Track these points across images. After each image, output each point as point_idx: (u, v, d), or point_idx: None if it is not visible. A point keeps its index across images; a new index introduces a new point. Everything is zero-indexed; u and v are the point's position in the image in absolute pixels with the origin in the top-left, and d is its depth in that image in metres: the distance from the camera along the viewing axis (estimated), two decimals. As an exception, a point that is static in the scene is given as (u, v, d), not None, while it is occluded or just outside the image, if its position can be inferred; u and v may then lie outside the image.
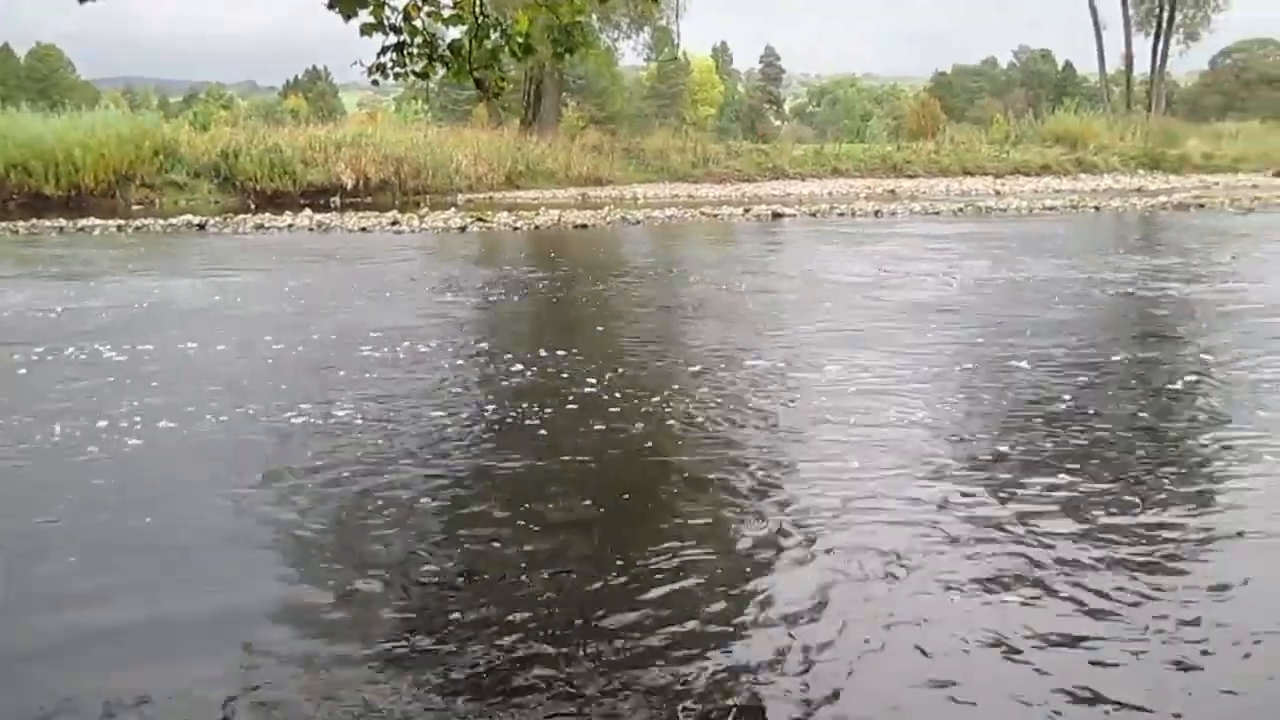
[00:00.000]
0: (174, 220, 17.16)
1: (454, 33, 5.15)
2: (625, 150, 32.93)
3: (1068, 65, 70.03)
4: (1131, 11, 41.96)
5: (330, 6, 3.50)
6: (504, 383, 5.49)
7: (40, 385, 5.44)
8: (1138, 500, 3.57)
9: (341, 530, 3.41)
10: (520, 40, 4.77)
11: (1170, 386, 5.25)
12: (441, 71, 4.90)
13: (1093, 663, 2.50)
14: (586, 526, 3.41)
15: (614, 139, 35.46)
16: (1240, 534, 3.29)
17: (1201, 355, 6.07)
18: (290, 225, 17.12)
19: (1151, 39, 42.21)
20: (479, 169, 28.20)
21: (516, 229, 16.68)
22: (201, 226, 16.81)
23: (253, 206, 21.49)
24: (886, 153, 33.93)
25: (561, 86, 42.34)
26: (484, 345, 6.77)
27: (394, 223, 17.12)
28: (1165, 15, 41.51)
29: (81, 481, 3.87)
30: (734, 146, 34.78)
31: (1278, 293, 8.46)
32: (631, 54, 47.83)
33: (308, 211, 18.76)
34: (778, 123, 70.54)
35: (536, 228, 16.84)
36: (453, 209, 19.87)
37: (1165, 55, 42.55)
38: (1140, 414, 4.69)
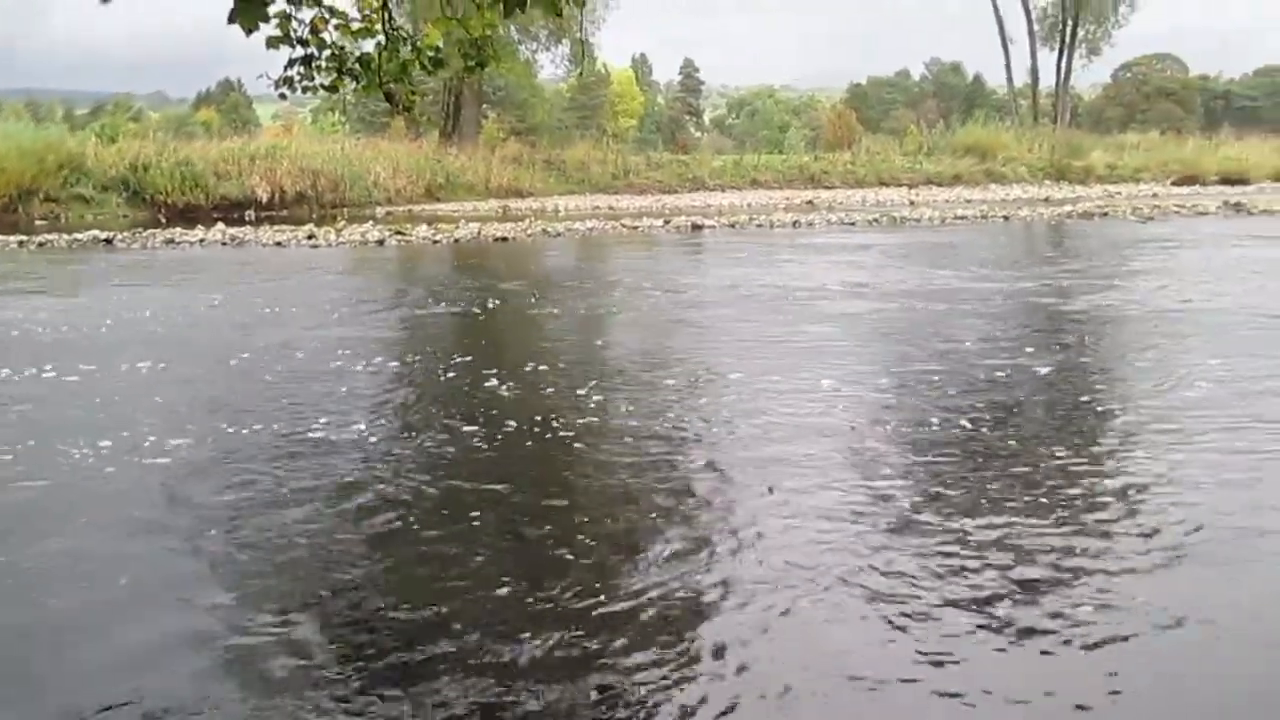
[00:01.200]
0: (80, 235, 16.63)
1: (366, 45, 5.10)
2: (546, 162, 32.88)
3: (977, 77, 71.89)
4: (1036, 26, 43.28)
5: (231, 20, 3.43)
6: (475, 399, 5.44)
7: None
8: (1048, 501, 3.68)
9: (298, 555, 3.34)
10: (431, 54, 4.74)
11: (1078, 394, 5.41)
12: (351, 85, 4.84)
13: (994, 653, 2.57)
14: (538, 540, 3.39)
15: (534, 151, 35.36)
16: (1138, 532, 3.40)
17: (1111, 362, 6.27)
18: (202, 240, 16.73)
19: (1056, 53, 43.57)
20: (398, 181, 27.93)
21: (436, 242, 16.52)
22: (109, 241, 16.32)
23: (163, 220, 20.96)
24: (804, 164, 34.42)
25: (481, 98, 42.12)
26: (460, 360, 6.68)
27: (310, 236, 16.83)
28: (1068, 30, 42.88)
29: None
30: (654, 158, 34.96)
31: (1175, 298, 8.78)
32: (551, 66, 47.81)
33: (220, 225, 18.37)
34: (698, 134, 71.06)
35: (457, 241, 16.70)
36: (371, 222, 19.62)
37: (1069, 69, 43.95)
38: (1050, 417, 4.83)
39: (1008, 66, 44.38)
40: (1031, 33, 43.20)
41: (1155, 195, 27.38)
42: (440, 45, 4.72)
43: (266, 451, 4.45)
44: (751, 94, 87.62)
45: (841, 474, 4.06)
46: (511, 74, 39.90)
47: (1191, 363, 5.98)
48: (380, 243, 16.36)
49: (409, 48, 4.81)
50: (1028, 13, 43.04)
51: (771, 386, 5.54)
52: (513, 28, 37.74)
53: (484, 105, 44.50)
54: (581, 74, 38.19)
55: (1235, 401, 5.01)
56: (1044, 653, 2.60)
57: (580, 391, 5.54)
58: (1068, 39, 42.99)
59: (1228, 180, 31.97)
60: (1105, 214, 20.15)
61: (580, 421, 4.88)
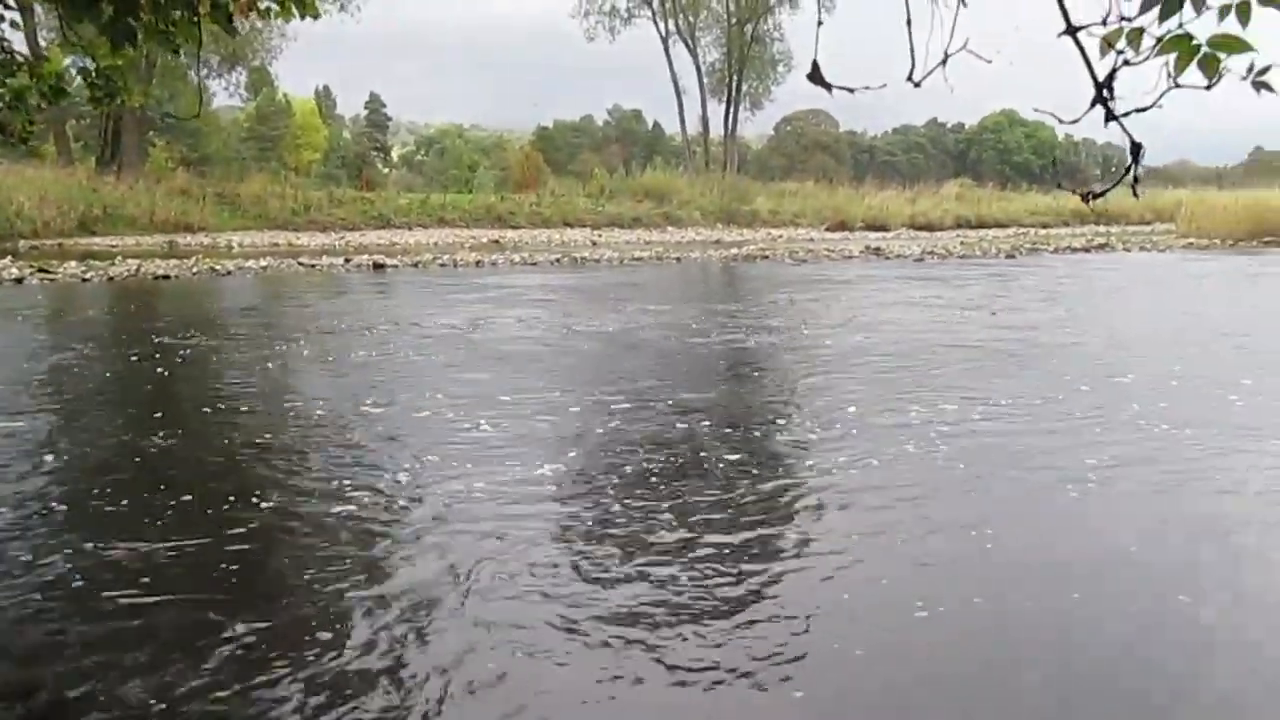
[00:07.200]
0: None
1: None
2: (219, 195, 31.22)
3: (656, 125, 75.56)
4: (706, 79, 46.47)
5: None
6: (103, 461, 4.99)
7: None
8: (728, 517, 3.93)
9: None
10: (51, 82, 4.41)
11: (747, 419, 5.81)
12: (-44, 111, 4.41)
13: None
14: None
15: (206, 182, 33.48)
16: (816, 541, 3.71)
17: (773, 391, 6.80)
18: None
19: (724, 105, 46.96)
20: (46, 213, 25.55)
21: (87, 280, 15.22)
22: None
23: None
24: (492, 204, 34.83)
25: (146, 124, 39.33)
26: (81, 416, 6.10)
27: (-71, 274, 15.00)
28: (734, 84, 46.35)
29: None
30: (338, 194, 34.10)
31: (818, 333, 9.66)
32: (224, 94, 45.54)
33: None
34: (386, 170, 69.87)
35: (111, 279, 15.47)
36: (10, 258, 17.73)
37: (736, 120, 47.50)
38: (720, 442, 5.15)
39: (681, 116, 47.42)
40: (701, 85, 46.39)
41: (811, 240, 29.98)
42: (60, 73, 4.40)
43: None
44: (440, 132, 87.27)
45: (511, 506, 4.13)
46: (185, 101, 37.53)
47: (834, 389, 6.62)
48: (18, 281, 14.83)
49: (25, 73, 4.45)
50: (698, 66, 46.16)
51: (446, 424, 5.56)
52: (184, 53, 35.54)
53: (150, 132, 41.56)
54: (195, 104, 36.36)
55: (870, 419, 5.60)
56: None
57: (226, 440, 5.30)
58: (734, 92, 46.45)
59: (872, 226, 35.62)
60: (766, 256, 21.81)
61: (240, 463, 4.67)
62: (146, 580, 3.36)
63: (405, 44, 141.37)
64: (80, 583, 3.34)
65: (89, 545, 3.66)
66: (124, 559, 3.54)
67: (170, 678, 2.68)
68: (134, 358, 8.11)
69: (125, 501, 4.22)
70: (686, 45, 45.89)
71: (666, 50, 45.87)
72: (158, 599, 3.21)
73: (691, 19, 45.95)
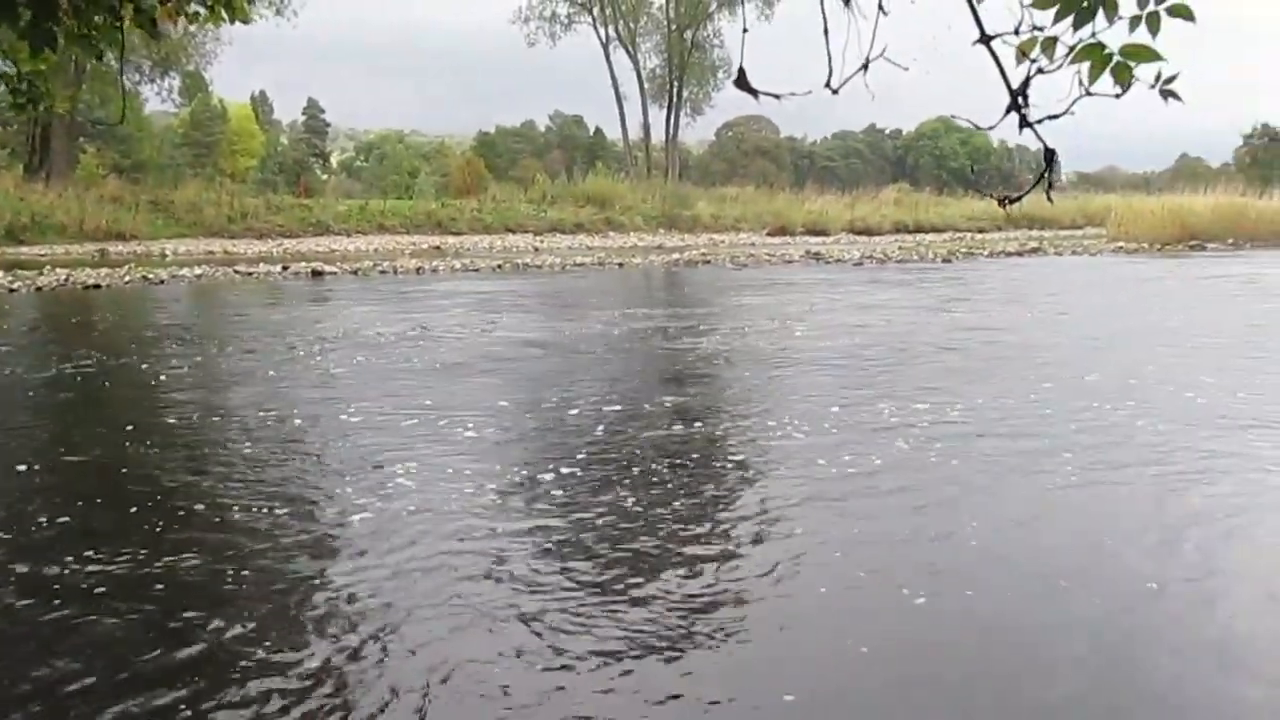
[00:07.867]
0: None
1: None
2: (152, 202, 30.63)
3: (598, 130, 75.61)
4: (646, 85, 46.68)
5: None
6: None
7: None
8: (675, 516, 3.94)
9: None
10: (-29, 88, 4.30)
11: (733, 421, 5.83)
12: None
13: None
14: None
15: (139, 189, 32.85)
16: (759, 539, 3.74)
17: (752, 393, 6.84)
18: None
19: (665, 111, 47.21)
20: (-31, 221, 24.88)
21: (13, 290, 14.84)
22: None
23: None
24: (432, 210, 34.60)
25: (76, 130, 38.51)
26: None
27: None
28: (674, 90, 46.61)
29: None
30: (275, 200, 33.63)
31: (781, 337, 9.73)
32: (157, 100, 44.79)
33: None
34: (324, 176, 69.05)
35: (39, 289, 15.11)
36: (-69, 267, 17.26)
37: (677, 126, 47.75)
38: (709, 443, 5.17)
39: (623, 121, 47.59)
40: (643, 91, 46.61)
41: (752, 245, 30.21)
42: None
43: None
44: (380, 138, 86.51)
45: (475, 516, 4.11)
46: (115, 107, 36.79)
47: (785, 391, 6.68)
48: (-59, 291, 14.42)
49: (-57, 79, 4.33)
50: (638, 72, 46.36)
51: (436, 431, 5.50)
52: (110, 57, 34.85)
53: (81, 138, 40.68)
54: (121, 110, 35.91)
55: (813, 414, 5.66)
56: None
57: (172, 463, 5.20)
58: (674, 98, 46.72)
59: (812, 231, 35.98)
60: (708, 261, 21.93)
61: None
62: (121, 597, 3.29)
63: (344, 49, 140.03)
64: (27, 599, 3.26)
65: (28, 562, 3.57)
66: (89, 576, 3.46)
67: (135, 692, 2.63)
68: (65, 369, 7.92)
69: (90, 517, 4.12)
70: (627, 51, 46.09)
71: (607, 56, 46.04)
72: (133, 615, 3.14)
73: (632, 25, 46.16)
